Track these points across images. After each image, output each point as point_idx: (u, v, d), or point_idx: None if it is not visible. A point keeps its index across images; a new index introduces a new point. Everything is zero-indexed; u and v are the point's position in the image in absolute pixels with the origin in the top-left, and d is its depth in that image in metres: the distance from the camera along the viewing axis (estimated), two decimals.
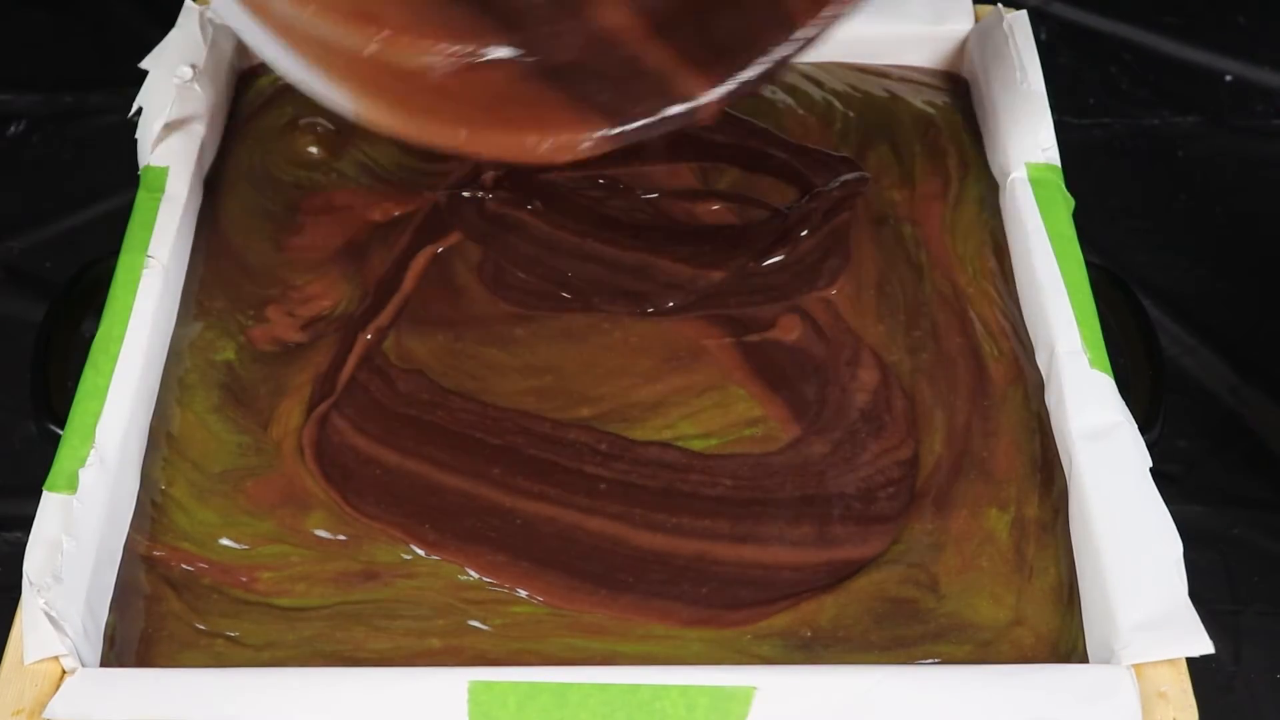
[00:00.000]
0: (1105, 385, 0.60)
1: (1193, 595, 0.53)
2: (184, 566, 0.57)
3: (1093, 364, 0.60)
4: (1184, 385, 0.75)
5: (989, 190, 0.70)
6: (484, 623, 0.55)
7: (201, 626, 0.55)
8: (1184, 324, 0.78)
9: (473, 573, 0.57)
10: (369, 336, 0.64)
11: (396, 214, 0.69)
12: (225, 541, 0.58)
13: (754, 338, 0.64)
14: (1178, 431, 0.73)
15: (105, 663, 0.54)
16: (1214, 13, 0.92)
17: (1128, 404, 0.59)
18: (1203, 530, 0.71)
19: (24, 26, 0.89)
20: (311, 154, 0.71)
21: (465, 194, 0.69)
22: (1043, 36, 0.89)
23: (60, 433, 0.58)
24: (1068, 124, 0.84)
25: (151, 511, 0.59)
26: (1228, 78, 0.88)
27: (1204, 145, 0.85)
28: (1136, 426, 0.58)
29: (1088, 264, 0.64)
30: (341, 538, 0.58)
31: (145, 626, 0.55)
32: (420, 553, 0.57)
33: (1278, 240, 0.81)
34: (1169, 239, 0.80)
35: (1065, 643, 0.55)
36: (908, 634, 0.55)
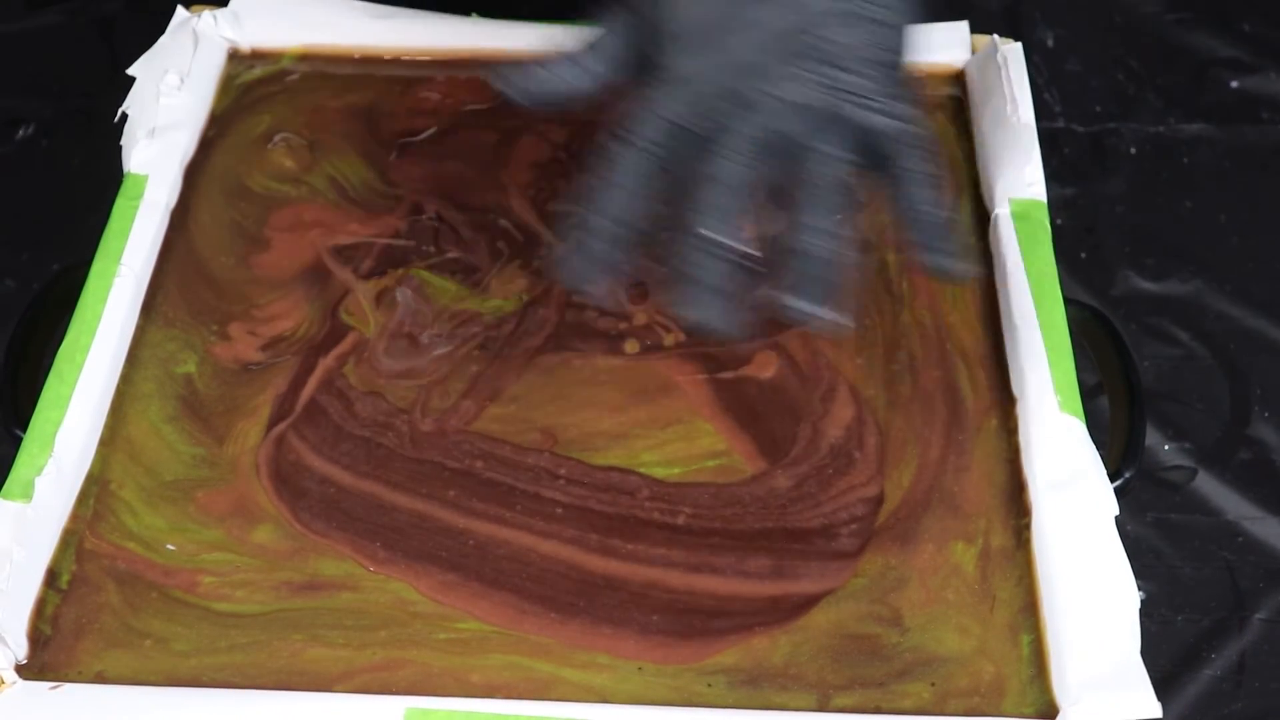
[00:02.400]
0: (1074, 430, 0.59)
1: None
2: (124, 566, 0.57)
3: (1063, 408, 0.60)
4: (1185, 393, 0.74)
5: (982, 213, 0.69)
6: (428, 636, 0.55)
7: (134, 624, 0.55)
8: (1187, 330, 0.77)
9: (422, 592, 0.56)
10: (330, 362, 0.64)
11: (363, 235, 0.69)
12: (170, 546, 0.58)
13: (727, 375, 0.64)
14: (1179, 437, 0.72)
15: (35, 648, 0.54)
16: (1220, 20, 0.91)
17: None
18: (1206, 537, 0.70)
19: (33, 31, 0.90)
20: (284, 166, 0.72)
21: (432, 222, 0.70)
22: (1050, 44, 0.89)
23: None
24: (1074, 131, 0.84)
25: (99, 508, 0.59)
26: (1233, 84, 0.88)
27: (1210, 152, 0.84)
28: (1105, 472, 0.58)
29: (1072, 302, 0.64)
30: (288, 549, 0.58)
31: (80, 615, 0.56)
32: (370, 569, 0.57)
33: None
34: (1174, 246, 0.79)
35: (1020, 678, 0.54)
36: (868, 673, 0.54)
